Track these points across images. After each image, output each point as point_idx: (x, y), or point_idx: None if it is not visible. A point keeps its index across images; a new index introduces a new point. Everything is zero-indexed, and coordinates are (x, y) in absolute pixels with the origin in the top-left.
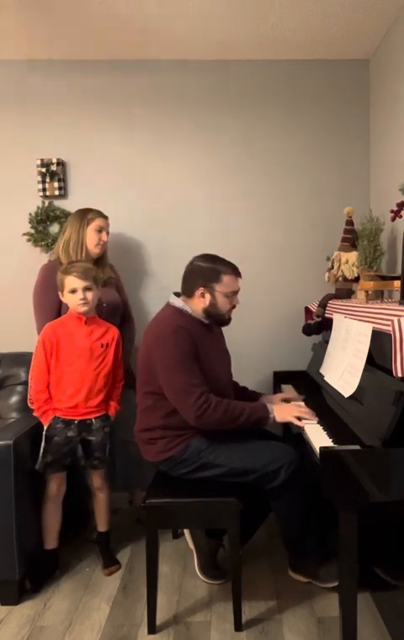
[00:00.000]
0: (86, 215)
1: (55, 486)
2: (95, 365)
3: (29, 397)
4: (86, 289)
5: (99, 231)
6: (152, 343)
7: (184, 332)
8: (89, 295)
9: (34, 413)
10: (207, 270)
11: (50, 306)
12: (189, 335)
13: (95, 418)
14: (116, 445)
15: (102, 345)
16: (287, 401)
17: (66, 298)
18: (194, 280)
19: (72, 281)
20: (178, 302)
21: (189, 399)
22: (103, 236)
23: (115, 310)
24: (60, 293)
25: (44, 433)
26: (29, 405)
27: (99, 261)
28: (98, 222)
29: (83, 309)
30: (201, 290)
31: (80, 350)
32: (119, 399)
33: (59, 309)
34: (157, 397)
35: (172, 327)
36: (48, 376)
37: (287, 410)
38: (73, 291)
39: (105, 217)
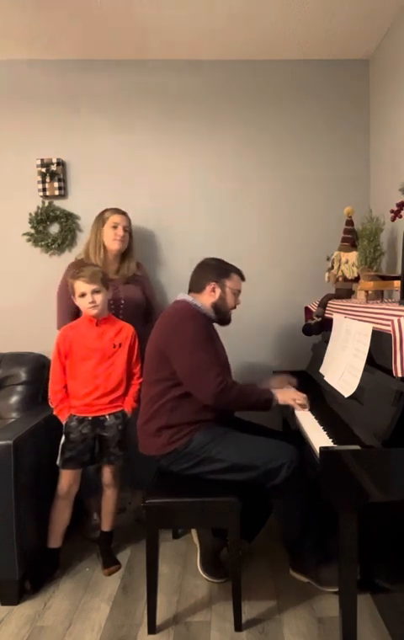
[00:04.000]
0: (103, 214)
1: (67, 484)
2: (107, 364)
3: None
4: (94, 292)
5: (115, 227)
6: (169, 330)
7: (201, 318)
8: (98, 297)
9: (54, 412)
10: (218, 268)
11: (65, 302)
12: (205, 322)
13: (109, 414)
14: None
15: (114, 345)
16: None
17: (78, 302)
18: (205, 276)
19: (81, 286)
20: (188, 298)
21: (210, 374)
22: (119, 231)
23: (136, 308)
24: (73, 297)
25: (63, 430)
26: (50, 404)
27: (124, 257)
28: (113, 219)
29: (94, 312)
30: (213, 284)
31: (91, 351)
32: (136, 397)
33: (76, 307)
34: (167, 383)
35: (190, 312)
36: (64, 377)
37: (288, 395)
38: (83, 295)
39: (121, 213)
